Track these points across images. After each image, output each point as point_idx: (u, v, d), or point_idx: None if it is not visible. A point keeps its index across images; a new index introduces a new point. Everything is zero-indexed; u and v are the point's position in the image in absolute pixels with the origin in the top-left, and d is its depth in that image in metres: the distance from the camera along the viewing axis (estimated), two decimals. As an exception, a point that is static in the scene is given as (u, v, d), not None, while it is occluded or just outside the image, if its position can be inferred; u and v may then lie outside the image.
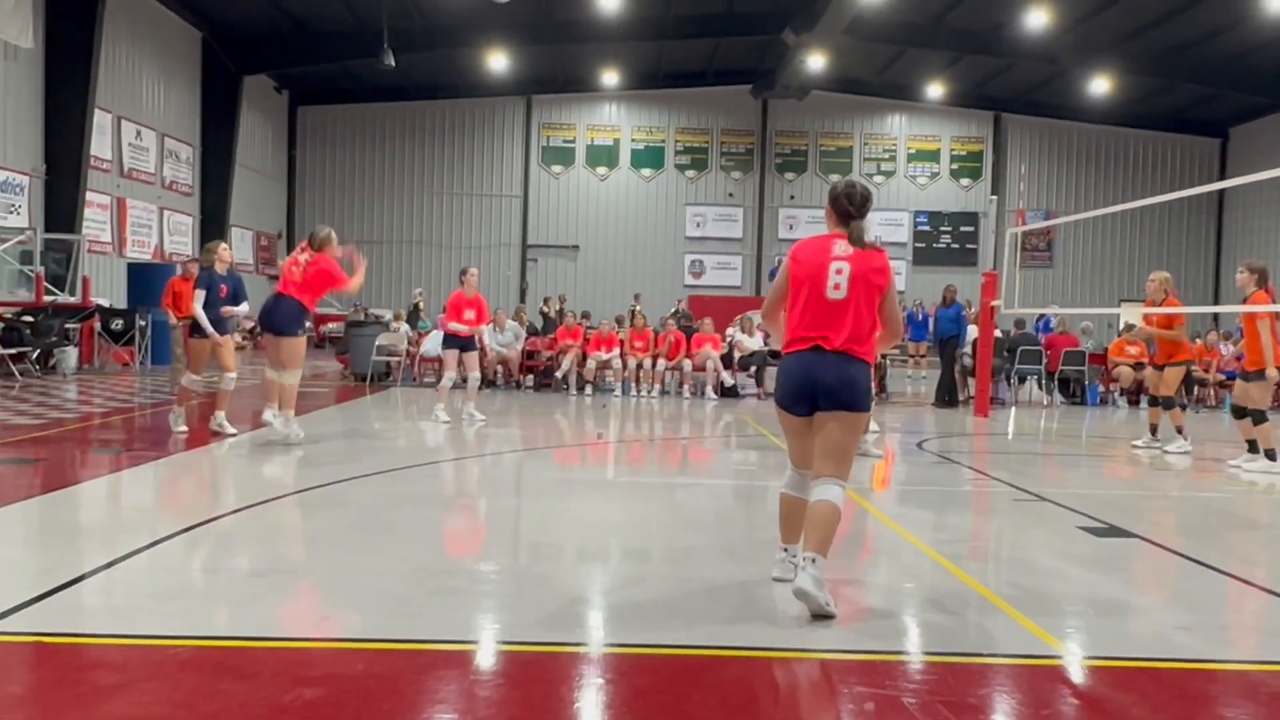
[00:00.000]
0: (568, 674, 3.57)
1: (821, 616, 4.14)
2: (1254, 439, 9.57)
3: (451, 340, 11.77)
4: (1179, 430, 10.73)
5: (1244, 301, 9.59)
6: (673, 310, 21.83)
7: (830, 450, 4.44)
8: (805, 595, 4.15)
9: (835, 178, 33.73)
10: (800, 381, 4.46)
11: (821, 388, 4.40)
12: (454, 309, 11.79)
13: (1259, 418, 9.48)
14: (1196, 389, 17.50)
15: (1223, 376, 17.82)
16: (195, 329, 9.63)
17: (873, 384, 4.57)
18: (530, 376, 17.00)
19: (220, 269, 9.67)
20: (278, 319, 9.05)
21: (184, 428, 9.58)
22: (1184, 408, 14.79)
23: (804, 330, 4.48)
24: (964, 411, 15.09)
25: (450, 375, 11.71)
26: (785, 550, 4.74)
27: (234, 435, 9.45)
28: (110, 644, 3.69)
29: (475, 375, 12.03)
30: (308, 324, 9.36)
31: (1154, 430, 11.02)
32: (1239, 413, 9.71)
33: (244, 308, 10.01)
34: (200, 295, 9.44)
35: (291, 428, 9.11)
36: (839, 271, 4.43)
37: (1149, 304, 10.86)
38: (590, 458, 9.72)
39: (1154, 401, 11.13)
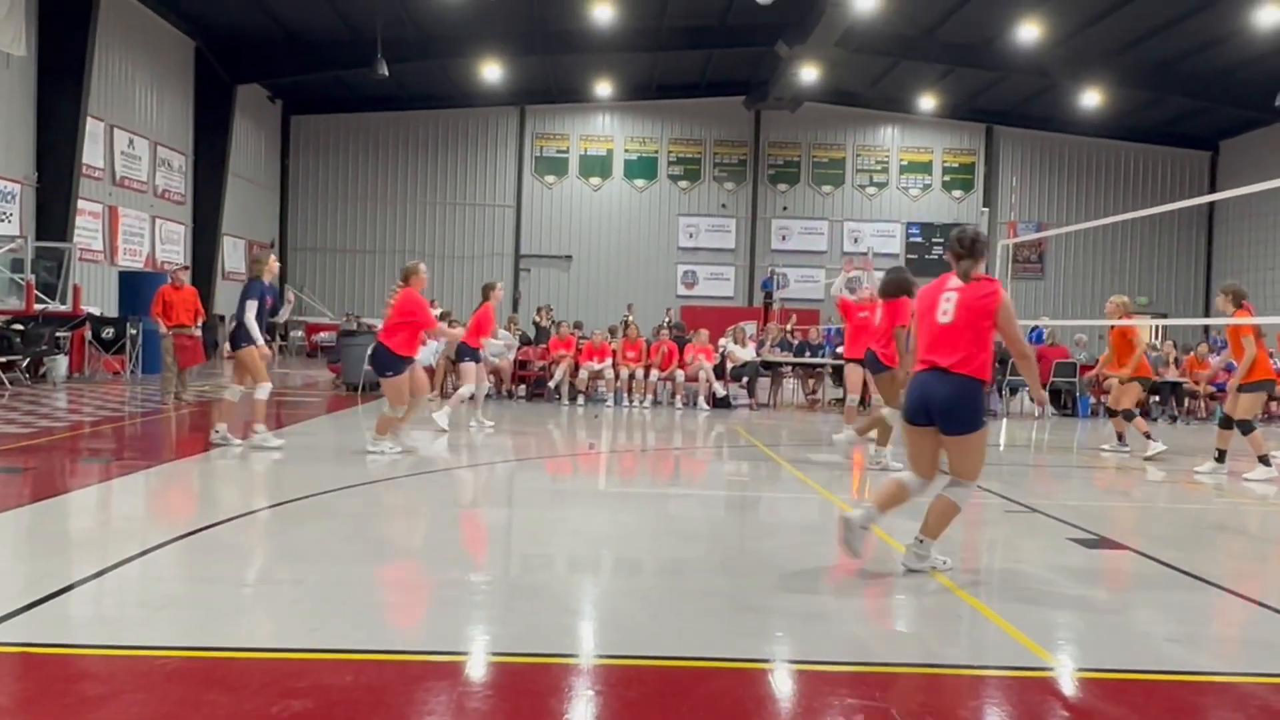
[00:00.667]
0: (558, 686, 3.56)
1: (851, 551, 5.18)
2: (1225, 449, 9.86)
3: (472, 352, 11.85)
4: (1147, 435, 11.23)
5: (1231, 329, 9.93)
6: (664, 321, 21.83)
7: (956, 464, 5.22)
8: (847, 524, 5.18)
9: (827, 189, 33.90)
10: (918, 399, 5.22)
11: (935, 407, 5.13)
12: (486, 324, 11.91)
13: (1246, 427, 9.57)
14: (1187, 401, 17.55)
15: (1213, 389, 17.87)
16: (240, 339, 9.55)
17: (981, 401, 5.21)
18: (523, 386, 16.99)
19: (267, 279, 9.64)
20: (373, 366, 9.50)
21: (239, 443, 9.45)
22: (1174, 419, 14.86)
23: (921, 353, 5.28)
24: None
25: (470, 387, 11.80)
26: (921, 543, 5.32)
27: (239, 446, 9.41)
28: (97, 654, 3.67)
29: (485, 385, 12.45)
30: (401, 364, 9.33)
31: (1120, 437, 11.70)
32: (1226, 423, 9.89)
33: (283, 315, 10.12)
34: (253, 306, 9.40)
35: (387, 444, 9.28)
36: (947, 300, 5.20)
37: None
38: (582, 468, 9.71)
39: (1112, 413, 11.84)
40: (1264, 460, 9.51)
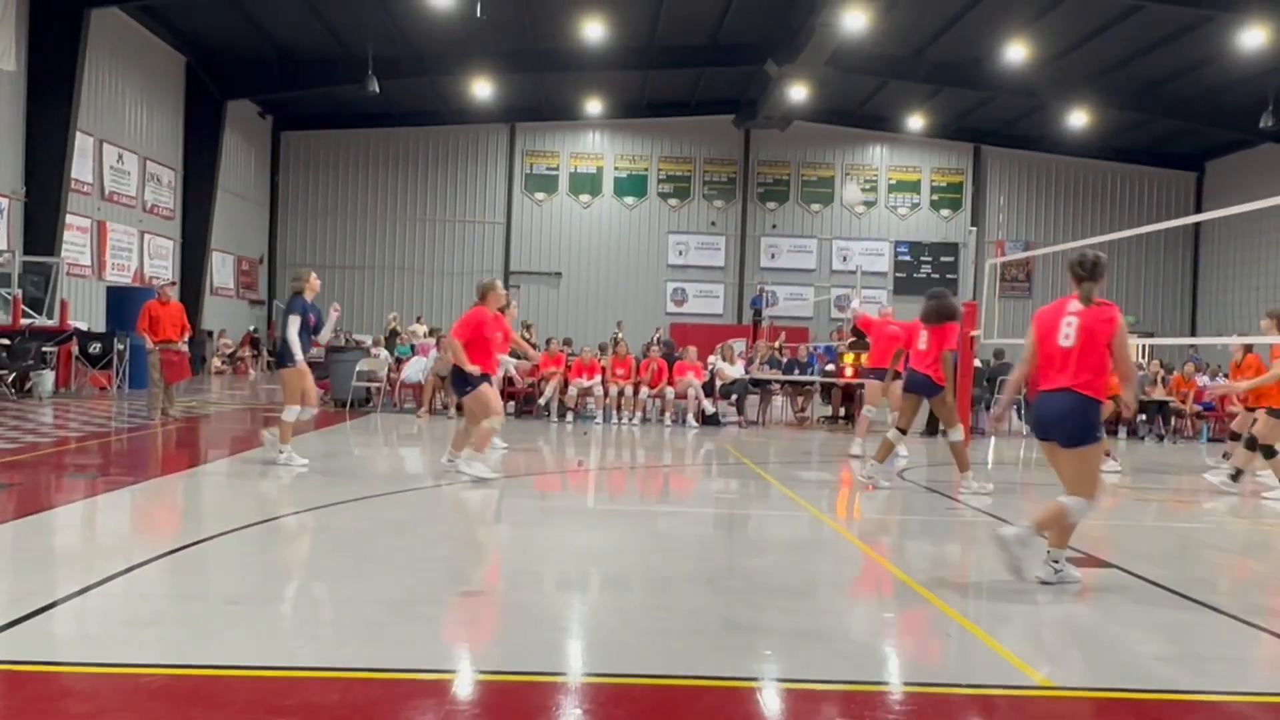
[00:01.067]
0: (546, 704, 3.55)
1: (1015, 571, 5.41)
2: (1243, 468, 9.96)
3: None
4: (1108, 454, 11.30)
5: (1270, 349, 9.97)
6: (653, 338, 21.83)
7: (1070, 477, 5.49)
8: (1000, 541, 5.46)
9: (817, 207, 34.04)
10: (1038, 417, 5.65)
11: (1050, 424, 5.51)
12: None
13: (1270, 453, 9.68)
14: (1173, 420, 17.62)
15: (1199, 408, 17.97)
16: (284, 358, 9.49)
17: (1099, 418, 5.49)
18: (512, 403, 16.96)
19: (309, 296, 9.57)
20: (453, 385, 9.48)
21: (303, 462, 9.28)
22: (1161, 438, 14.94)
23: (1041, 374, 5.64)
24: (944, 441, 15.12)
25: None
26: (1048, 553, 5.57)
27: (303, 465, 9.29)
28: (82, 672, 3.64)
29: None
30: (476, 379, 8.90)
31: (1237, 476, 10.58)
32: (1251, 443, 9.90)
33: (325, 333, 9.99)
34: (295, 322, 9.35)
35: (478, 465, 8.98)
36: (1068, 324, 5.49)
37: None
38: (571, 485, 9.69)
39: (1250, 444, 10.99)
40: None
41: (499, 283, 9.48)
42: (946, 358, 9.17)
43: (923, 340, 9.41)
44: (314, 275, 9.78)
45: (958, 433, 9.38)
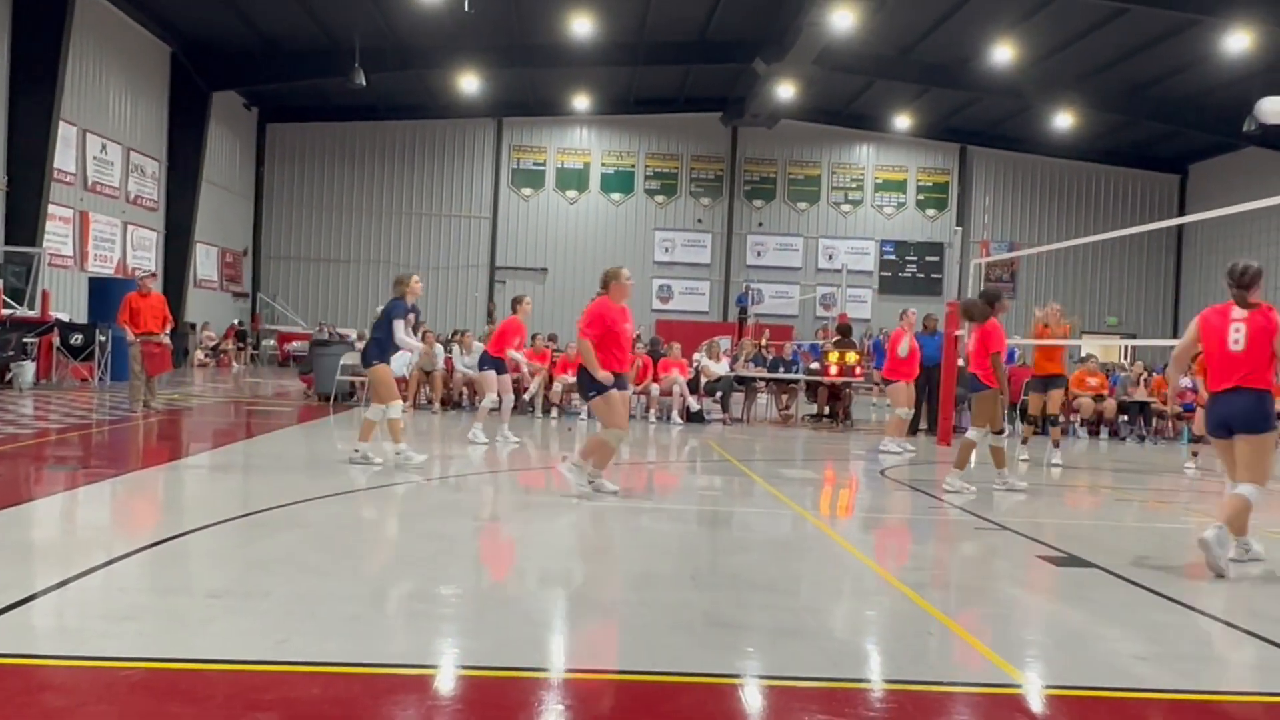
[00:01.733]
0: (527, 700, 3.54)
1: (1218, 575, 5.77)
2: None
3: (491, 362, 11.93)
4: (1056, 444, 12.27)
5: None
6: (634, 336, 21.80)
7: (1244, 463, 6.05)
8: (1205, 545, 5.76)
9: (803, 206, 34.10)
10: (1218, 417, 6.19)
11: (1234, 419, 6.09)
12: (510, 335, 12.00)
13: None
14: (1155, 421, 17.73)
15: (1180, 409, 18.07)
16: (371, 356, 9.47)
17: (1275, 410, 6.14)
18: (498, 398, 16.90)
19: (410, 300, 9.46)
20: (579, 389, 9.08)
21: (379, 461, 9.17)
22: (1142, 439, 15.06)
23: (1214, 377, 6.20)
24: (926, 440, 15.19)
25: (491, 398, 11.89)
26: (1235, 541, 6.11)
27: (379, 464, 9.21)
28: (59, 665, 3.61)
29: (509, 398, 12.33)
30: (604, 384, 8.03)
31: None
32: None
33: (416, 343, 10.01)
34: (400, 325, 9.30)
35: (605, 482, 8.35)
36: (1237, 330, 6.06)
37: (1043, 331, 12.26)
38: (554, 481, 9.67)
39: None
40: None
41: (624, 270, 8.57)
42: (996, 360, 9.28)
43: (971, 341, 9.71)
44: (416, 279, 9.64)
45: (977, 433, 9.42)
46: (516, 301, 12.08)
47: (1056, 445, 12.32)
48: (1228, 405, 6.09)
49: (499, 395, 12.02)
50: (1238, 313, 6.08)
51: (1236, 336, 6.04)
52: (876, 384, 21.98)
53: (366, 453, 9.21)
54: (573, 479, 8.03)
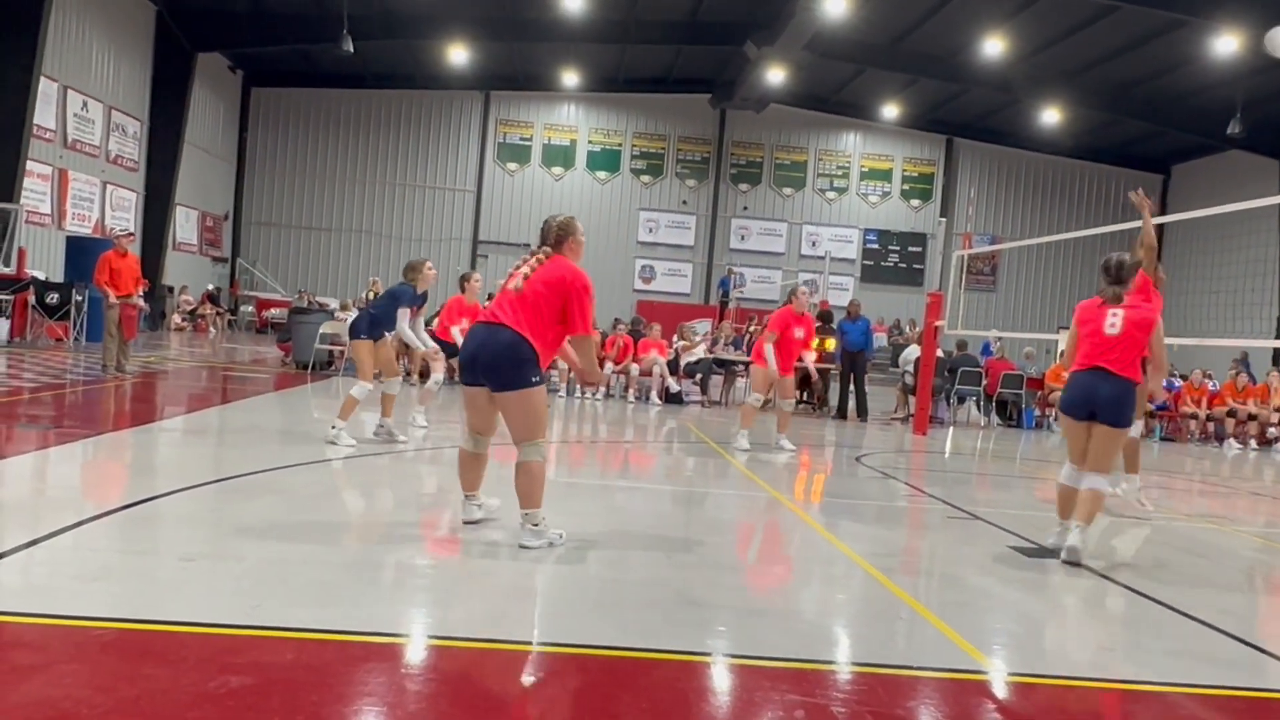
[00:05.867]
0: (499, 671, 3.55)
1: (1074, 564, 5.81)
2: None
3: (443, 344, 11.02)
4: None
5: None
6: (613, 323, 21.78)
7: (1099, 452, 6.08)
8: (1074, 551, 5.83)
9: (789, 191, 34.09)
10: (1083, 394, 6.16)
11: (1098, 403, 6.06)
12: (455, 314, 11.26)
13: None
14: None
15: (1151, 407, 18.25)
16: (359, 330, 9.08)
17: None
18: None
19: (421, 289, 9.07)
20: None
21: (352, 445, 8.62)
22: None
23: (1085, 354, 6.19)
24: (903, 429, 15.29)
25: (439, 377, 10.91)
26: (1061, 524, 6.22)
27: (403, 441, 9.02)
28: (29, 623, 3.60)
29: (438, 377, 11.87)
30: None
31: None
32: None
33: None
34: (405, 314, 8.93)
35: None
36: (1114, 315, 6.17)
37: None
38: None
39: None
40: None
41: (803, 288, 8.85)
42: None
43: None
44: (430, 265, 9.16)
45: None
46: (464, 279, 11.24)
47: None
48: (1094, 385, 6.08)
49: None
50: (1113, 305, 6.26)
51: (1114, 321, 6.16)
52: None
53: (342, 432, 8.68)
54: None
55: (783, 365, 10.90)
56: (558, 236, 5.43)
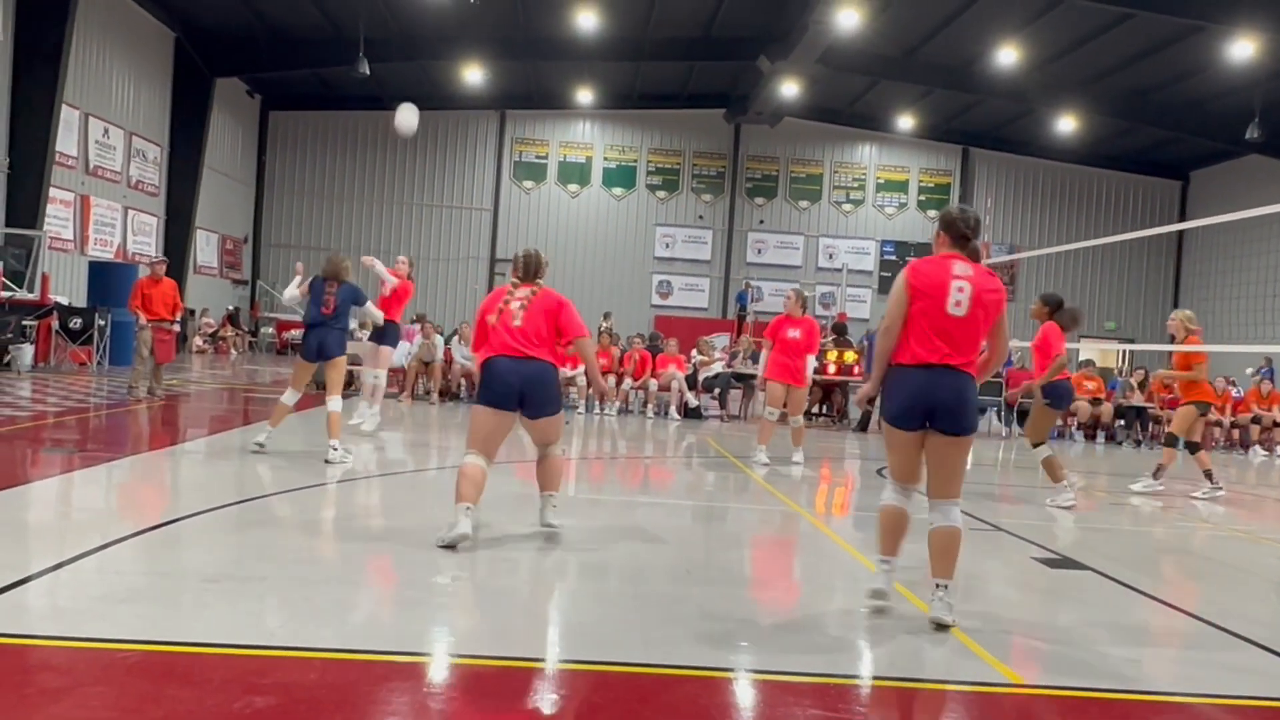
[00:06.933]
0: (522, 689, 3.56)
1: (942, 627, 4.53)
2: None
3: (389, 333, 11.61)
4: (1207, 473, 10.36)
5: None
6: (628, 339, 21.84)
7: (949, 473, 4.70)
8: (945, 627, 4.49)
9: (805, 204, 34.07)
10: (915, 398, 4.60)
11: (941, 408, 4.58)
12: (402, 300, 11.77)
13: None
14: (1151, 426, 17.76)
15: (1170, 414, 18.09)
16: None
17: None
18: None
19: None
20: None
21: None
22: (1138, 444, 14.98)
23: (922, 346, 4.60)
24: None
25: (378, 372, 11.57)
26: (885, 562, 4.80)
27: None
28: (56, 646, 3.63)
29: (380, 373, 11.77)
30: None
31: (1158, 472, 10.46)
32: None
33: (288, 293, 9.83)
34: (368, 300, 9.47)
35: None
36: (960, 290, 4.60)
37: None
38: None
39: (1170, 441, 10.64)
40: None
41: (794, 288, 8.65)
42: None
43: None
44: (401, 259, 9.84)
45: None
46: (398, 261, 11.94)
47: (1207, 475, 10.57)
48: (936, 387, 4.56)
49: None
50: (962, 268, 4.67)
51: (960, 298, 4.59)
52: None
53: (340, 450, 8.72)
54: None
55: (784, 370, 10.66)
56: (539, 269, 6.16)
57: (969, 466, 4.78)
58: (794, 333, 10.71)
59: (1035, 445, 9.26)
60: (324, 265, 9.35)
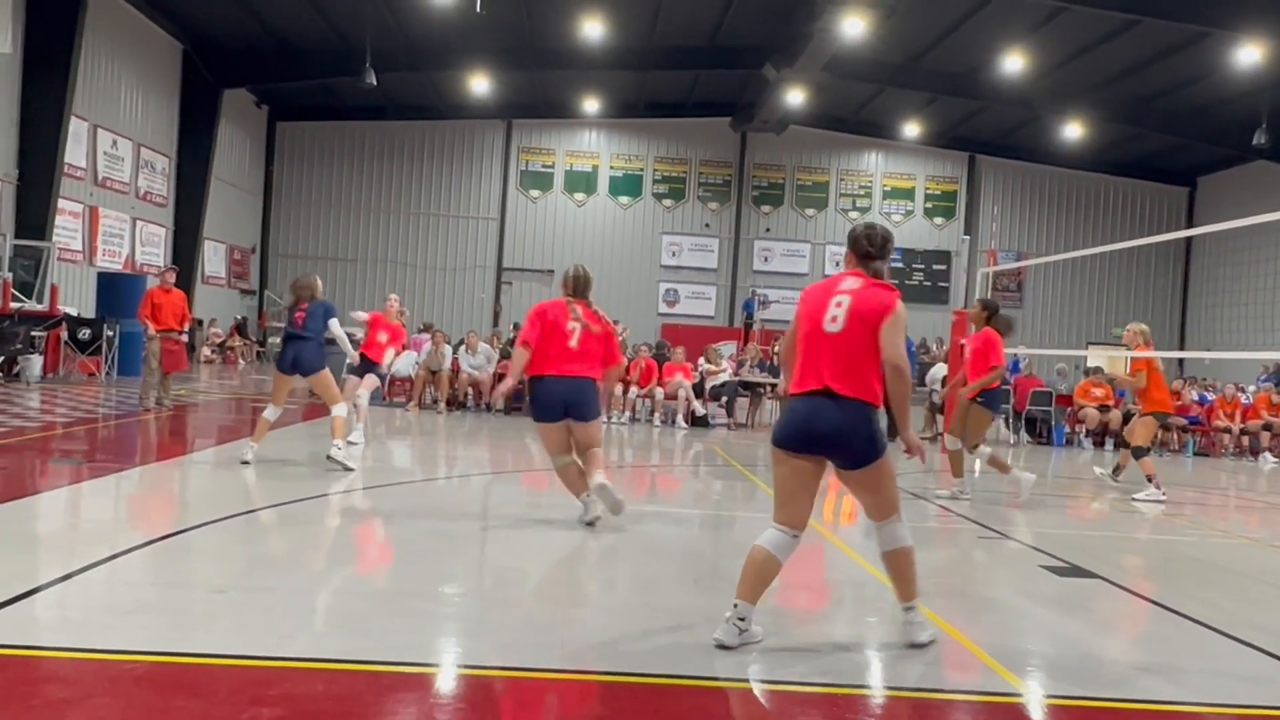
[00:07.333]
0: (528, 700, 3.55)
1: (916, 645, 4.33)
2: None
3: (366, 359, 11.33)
4: (1149, 479, 10.43)
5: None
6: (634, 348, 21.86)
7: (871, 500, 4.41)
8: (922, 645, 4.29)
9: (811, 212, 34.08)
10: (799, 428, 4.27)
11: (823, 440, 4.23)
12: (377, 330, 11.65)
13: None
14: (1159, 434, 17.69)
15: (1184, 421, 18.05)
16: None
17: (879, 424, 4.32)
18: (501, 399, 16.93)
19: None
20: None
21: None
22: (1146, 451, 14.88)
23: (802, 369, 4.30)
24: (931, 448, 15.18)
25: (366, 395, 11.15)
26: (735, 606, 4.18)
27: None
28: (64, 657, 3.63)
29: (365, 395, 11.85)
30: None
31: (1116, 471, 11.14)
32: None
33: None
34: (336, 323, 9.20)
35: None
36: (838, 304, 4.29)
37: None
38: (557, 483, 9.68)
39: (1139, 453, 10.76)
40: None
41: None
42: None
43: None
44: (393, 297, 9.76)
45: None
46: (387, 299, 11.99)
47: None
48: (817, 417, 4.21)
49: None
50: (850, 284, 4.36)
51: (836, 313, 4.25)
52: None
53: (342, 449, 8.89)
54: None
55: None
56: (588, 286, 6.82)
57: (896, 484, 4.48)
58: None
59: (973, 449, 9.43)
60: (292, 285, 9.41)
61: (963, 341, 9.23)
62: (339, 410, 9.05)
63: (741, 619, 4.13)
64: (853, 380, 4.19)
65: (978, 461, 10.10)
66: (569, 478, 6.91)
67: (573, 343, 6.55)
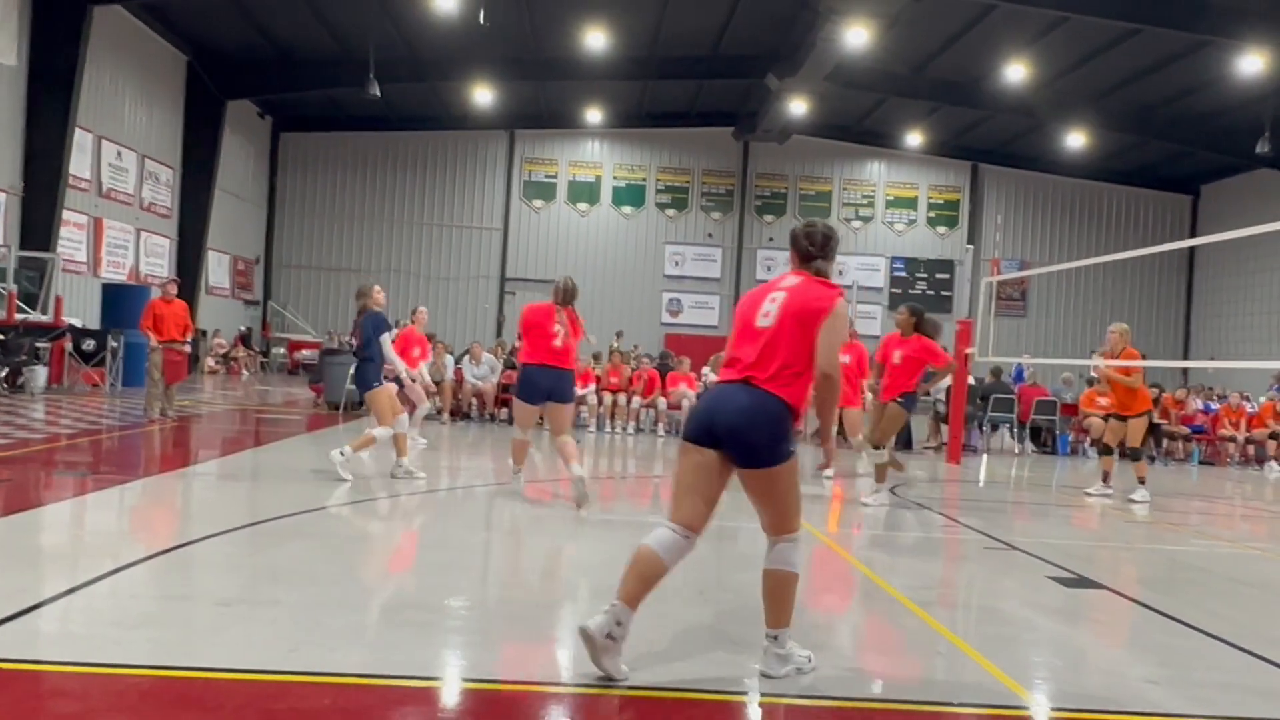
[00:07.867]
0: (535, 712, 3.54)
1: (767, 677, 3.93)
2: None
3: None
4: (1141, 480, 10.90)
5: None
6: (632, 350, 21.88)
7: (770, 510, 4.05)
8: (770, 678, 3.90)
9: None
10: (700, 418, 4.02)
11: (722, 430, 3.90)
12: (409, 344, 12.06)
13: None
14: (1165, 442, 17.67)
15: (1187, 430, 18.01)
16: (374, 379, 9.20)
17: (791, 428, 3.95)
18: (505, 410, 16.93)
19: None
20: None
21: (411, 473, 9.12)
22: (1152, 459, 14.89)
23: (726, 363, 4.08)
24: (936, 458, 15.16)
25: (427, 406, 11.69)
26: (612, 606, 3.81)
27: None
28: (70, 672, 3.62)
29: (418, 410, 12.07)
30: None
31: (1106, 478, 11.19)
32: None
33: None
34: (388, 340, 9.14)
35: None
36: (772, 300, 4.05)
37: (1107, 355, 11.27)
38: (562, 494, 9.67)
39: (1106, 450, 11.34)
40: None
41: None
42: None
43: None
44: (378, 288, 9.33)
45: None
46: (414, 312, 12.56)
47: (1142, 481, 10.93)
48: (723, 402, 3.95)
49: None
50: (789, 282, 4.14)
51: (769, 309, 4.02)
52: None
53: (408, 468, 9.12)
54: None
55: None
56: (574, 295, 8.56)
57: (799, 502, 4.09)
58: (844, 358, 10.90)
59: (876, 447, 9.45)
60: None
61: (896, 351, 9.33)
62: (379, 432, 8.96)
63: (619, 622, 3.75)
64: (774, 374, 3.89)
65: (865, 455, 10.55)
66: (519, 449, 8.74)
67: (557, 342, 8.24)
